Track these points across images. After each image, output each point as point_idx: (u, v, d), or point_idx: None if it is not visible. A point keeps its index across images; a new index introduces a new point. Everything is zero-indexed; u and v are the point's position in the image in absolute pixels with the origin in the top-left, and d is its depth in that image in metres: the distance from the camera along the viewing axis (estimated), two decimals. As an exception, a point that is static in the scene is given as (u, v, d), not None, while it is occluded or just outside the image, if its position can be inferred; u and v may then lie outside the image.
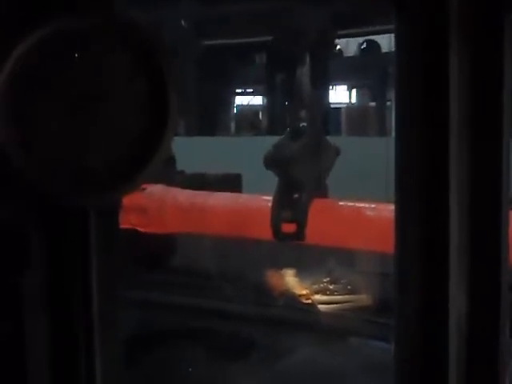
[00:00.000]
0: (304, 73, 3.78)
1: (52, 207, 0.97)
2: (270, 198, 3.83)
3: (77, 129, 0.93)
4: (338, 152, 3.90)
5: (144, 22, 0.94)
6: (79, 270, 0.99)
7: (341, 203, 3.97)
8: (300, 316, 4.13)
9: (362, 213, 3.87)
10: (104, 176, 0.93)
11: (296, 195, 3.68)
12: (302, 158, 3.68)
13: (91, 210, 0.98)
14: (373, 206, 3.85)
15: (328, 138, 4.05)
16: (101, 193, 0.94)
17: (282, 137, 3.80)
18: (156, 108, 0.93)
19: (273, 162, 3.67)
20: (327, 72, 13.62)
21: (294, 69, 3.95)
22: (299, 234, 3.63)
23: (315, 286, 4.25)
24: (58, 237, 0.99)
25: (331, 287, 4.24)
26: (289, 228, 3.64)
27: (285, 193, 3.67)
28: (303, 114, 3.74)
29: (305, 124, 3.75)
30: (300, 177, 3.69)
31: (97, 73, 0.93)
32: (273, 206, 3.66)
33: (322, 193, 3.89)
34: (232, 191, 5.02)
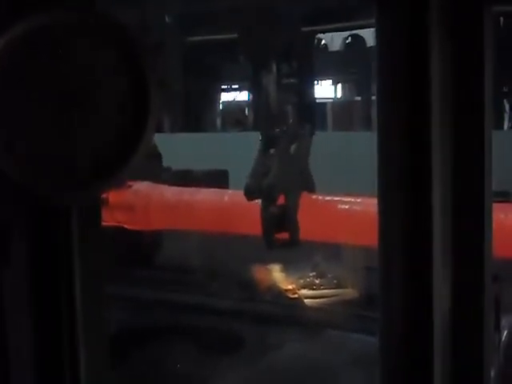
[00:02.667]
0: (270, 82, 3.78)
1: (34, 204, 0.96)
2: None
3: (59, 126, 0.92)
4: (312, 132, 3.90)
5: (126, 20, 0.94)
6: (62, 267, 0.99)
7: (326, 198, 3.98)
8: (286, 311, 4.13)
9: (347, 207, 3.87)
10: (86, 173, 0.93)
11: (283, 204, 3.70)
12: (281, 171, 3.69)
13: (73, 206, 0.97)
14: (358, 200, 3.85)
15: (315, 134, 4.06)
16: (82, 189, 0.94)
17: (255, 158, 3.79)
18: (137, 106, 0.93)
19: (254, 193, 3.69)
20: (309, 68, 13.64)
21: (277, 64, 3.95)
22: (292, 240, 3.65)
23: (301, 281, 4.25)
24: (40, 234, 0.98)
25: (317, 282, 4.25)
26: (281, 236, 3.66)
27: (270, 202, 3.68)
28: (274, 120, 3.75)
29: (278, 130, 3.75)
30: (283, 191, 3.70)
31: (78, 71, 0.93)
32: (262, 216, 3.67)
33: (309, 187, 3.89)
34: (219, 187, 5.02)
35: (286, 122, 3.77)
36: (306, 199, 3.81)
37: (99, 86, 0.93)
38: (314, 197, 3.93)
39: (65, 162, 0.93)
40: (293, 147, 3.75)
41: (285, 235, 3.65)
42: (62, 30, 0.92)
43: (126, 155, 0.93)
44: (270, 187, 3.65)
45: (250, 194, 3.70)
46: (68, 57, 0.93)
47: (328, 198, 3.99)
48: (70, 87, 0.93)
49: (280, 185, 3.67)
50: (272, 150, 3.71)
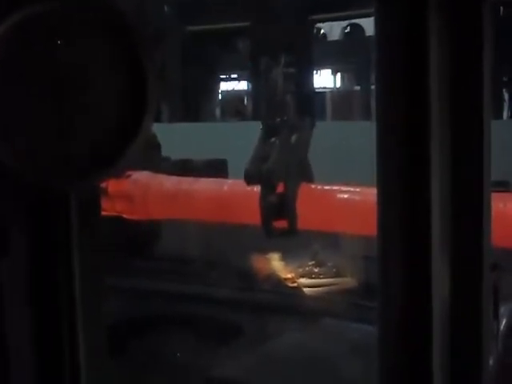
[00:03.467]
0: (276, 72, 3.77)
1: (31, 194, 0.97)
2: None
3: (56, 115, 0.92)
4: (313, 123, 3.91)
5: (124, 8, 0.94)
6: (61, 257, 0.99)
7: (325, 187, 3.99)
8: (285, 299, 4.14)
9: (346, 196, 3.88)
10: (84, 162, 0.93)
11: (282, 192, 3.71)
12: (281, 159, 3.70)
13: (72, 195, 0.97)
14: (357, 189, 3.86)
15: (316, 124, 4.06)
16: (81, 178, 0.94)
17: (255, 145, 3.80)
18: (135, 94, 0.93)
19: (253, 178, 3.70)
20: (308, 58, 13.64)
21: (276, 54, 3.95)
22: (291, 229, 3.66)
23: (300, 270, 4.26)
24: (38, 224, 0.98)
25: (316, 270, 4.26)
26: (279, 224, 3.67)
27: (269, 190, 3.69)
28: (276, 109, 3.76)
29: (278, 119, 3.76)
30: (282, 179, 3.71)
31: (76, 60, 0.93)
32: (260, 204, 3.68)
33: (308, 177, 3.90)
34: (218, 177, 5.03)
35: (286, 112, 3.77)
36: (305, 188, 3.81)
37: (97, 74, 0.93)
38: (313, 186, 3.94)
39: (63, 151, 0.93)
40: (293, 137, 3.76)
41: (283, 224, 3.65)
42: (58, 19, 0.92)
43: (125, 144, 0.93)
44: (270, 172, 3.66)
45: (249, 179, 3.72)
46: (66, 45, 0.92)
47: (327, 188, 4.00)
48: (68, 76, 0.93)
49: (279, 171, 3.68)
50: (273, 139, 3.72)
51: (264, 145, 3.72)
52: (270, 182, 3.68)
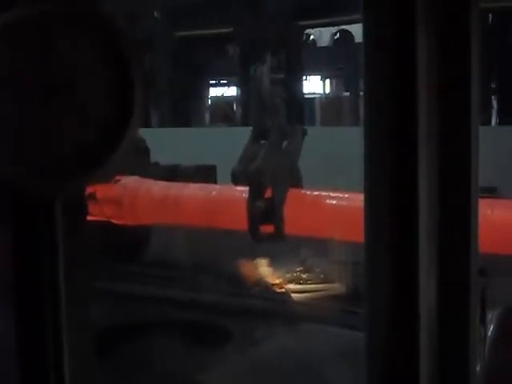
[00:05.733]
0: (263, 73, 3.77)
1: (16, 196, 0.96)
2: (244, 188, 3.84)
3: (41, 117, 0.92)
4: (304, 132, 3.91)
5: (113, 12, 0.94)
6: (46, 261, 0.99)
7: (313, 193, 3.99)
8: (273, 305, 4.14)
9: (335, 202, 3.88)
10: (70, 164, 0.93)
11: (270, 197, 3.69)
12: (270, 161, 3.69)
13: (57, 198, 0.97)
14: (346, 195, 3.86)
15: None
16: (66, 181, 0.93)
17: (245, 146, 3.78)
18: (122, 97, 0.93)
19: (240, 178, 3.68)
20: (297, 59, 13.66)
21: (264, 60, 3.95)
22: (277, 234, 3.65)
23: (288, 276, 4.27)
24: (23, 227, 0.98)
25: (304, 276, 4.26)
26: (267, 228, 3.66)
27: (257, 194, 3.68)
28: (264, 113, 3.75)
29: (269, 123, 3.76)
30: (271, 182, 3.70)
31: (63, 61, 0.92)
32: (248, 208, 3.67)
33: (297, 180, 3.90)
34: (207, 182, 5.03)
35: (276, 117, 3.78)
36: (294, 194, 3.82)
37: (83, 77, 0.93)
38: (302, 191, 3.94)
39: (48, 154, 0.92)
40: (283, 142, 3.76)
41: (270, 229, 3.65)
42: (45, 21, 0.92)
43: (111, 147, 0.93)
44: (257, 172, 3.65)
45: (236, 178, 3.71)
46: (52, 47, 0.92)
47: (316, 193, 4.00)
48: (54, 78, 0.92)
49: (266, 172, 3.67)
50: (262, 141, 3.72)
51: (253, 146, 3.72)
52: (257, 182, 3.67)
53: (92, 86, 0.93)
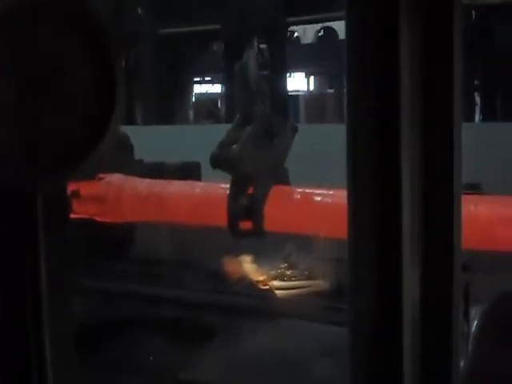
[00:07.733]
0: (250, 57, 3.74)
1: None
2: (228, 186, 3.83)
3: (22, 112, 0.92)
4: (295, 129, 3.84)
5: (97, 9, 0.93)
6: (27, 258, 0.98)
7: (297, 190, 3.99)
8: (257, 302, 4.14)
9: (319, 199, 3.88)
10: (50, 161, 0.92)
11: (250, 190, 3.63)
12: (252, 150, 3.61)
13: (38, 195, 0.97)
14: (330, 192, 3.87)
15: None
16: (47, 177, 0.93)
17: (228, 130, 3.71)
18: (103, 93, 0.93)
19: (219, 162, 3.60)
20: (281, 56, 13.65)
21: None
22: (256, 230, 3.60)
23: (272, 272, 4.27)
24: (4, 224, 0.98)
25: (288, 273, 4.26)
26: (246, 224, 3.61)
27: (238, 189, 3.62)
28: (251, 98, 3.69)
29: (255, 109, 3.69)
30: (251, 172, 3.63)
31: (44, 56, 0.92)
32: (228, 203, 3.62)
33: (282, 178, 3.87)
34: (191, 180, 5.02)
35: (263, 103, 3.73)
36: (278, 190, 3.81)
37: (65, 72, 0.93)
38: (286, 188, 3.94)
39: (29, 150, 0.92)
40: (275, 140, 3.71)
41: (249, 225, 3.61)
42: (26, 15, 0.91)
43: (92, 143, 0.93)
44: (236, 158, 3.57)
45: (215, 162, 3.61)
46: (33, 42, 0.92)
47: (300, 190, 4.00)
48: (35, 73, 0.92)
49: (248, 159, 3.59)
50: (247, 127, 3.64)
51: (237, 131, 3.65)
52: (236, 169, 3.58)
53: (73, 83, 0.92)
